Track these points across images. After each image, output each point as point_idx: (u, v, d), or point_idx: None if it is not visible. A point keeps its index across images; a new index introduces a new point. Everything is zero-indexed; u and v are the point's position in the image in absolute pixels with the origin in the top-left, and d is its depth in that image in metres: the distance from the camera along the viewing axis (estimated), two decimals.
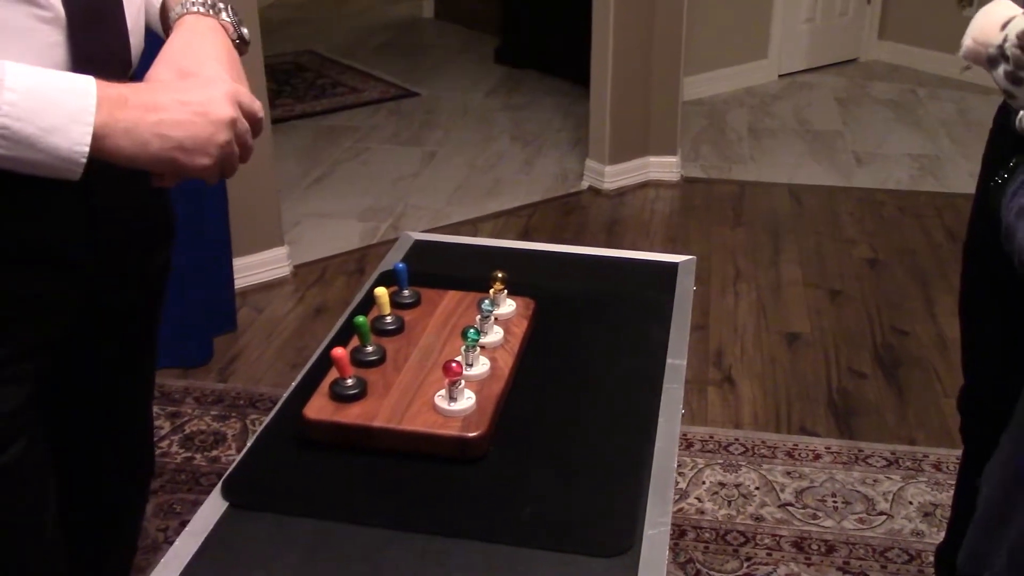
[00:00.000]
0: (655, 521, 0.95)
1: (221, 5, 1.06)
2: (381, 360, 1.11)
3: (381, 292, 1.18)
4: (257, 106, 0.98)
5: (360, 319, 1.11)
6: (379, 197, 3.77)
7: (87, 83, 0.86)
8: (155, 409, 2.48)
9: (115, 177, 0.92)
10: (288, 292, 3.09)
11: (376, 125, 4.55)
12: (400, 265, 1.25)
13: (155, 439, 2.36)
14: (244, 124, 0.95)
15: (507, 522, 0.94)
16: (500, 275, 1.22)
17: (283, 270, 3.14)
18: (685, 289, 1.38)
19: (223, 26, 1.05)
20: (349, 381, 1.05)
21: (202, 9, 1.04)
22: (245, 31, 1.08)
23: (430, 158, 4.16)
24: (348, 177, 3.96)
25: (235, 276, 2.89)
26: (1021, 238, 0.88)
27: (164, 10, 1.08)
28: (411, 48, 5.85)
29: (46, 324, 1.02)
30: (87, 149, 0.84)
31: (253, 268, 3.08)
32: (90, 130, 0.84)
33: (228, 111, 0.92)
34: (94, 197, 1.00)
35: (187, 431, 2.42)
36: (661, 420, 1.10)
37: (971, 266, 1.52)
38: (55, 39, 0.92)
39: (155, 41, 1.08)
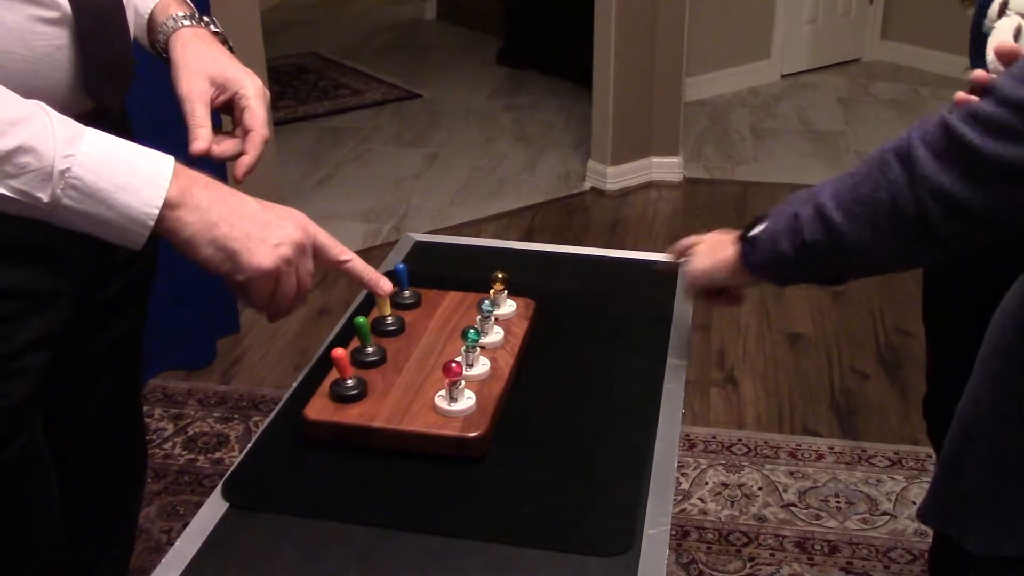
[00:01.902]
0: (655, 520, 0.95)
1: (207, 19, 1.10)
2: (381, 361, 1.11)
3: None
4: (341, 254, 0.98)
5: (360, 320, 1.11)
6: (382, 199, 3.77)
7: (164, 155, 0.87)
8: (158, 411, 2.49)
9: None
10: None
11: (379, 127, 4.55)
12: (400, 266, 1.25)
13: (158, 441, 2.37)
14: (308, 264, 0.95)
15: (507, 522, 0.94)
16: (500, 276, 1.22)
17: None
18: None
19: (216, 36, 1.08)
20: (349, 382, 1.05)
21: (192, 22, 1.07)
22: (230, 42, 1.12)
23: (433, 159, 4.16)
24: (351, 179, 3.96)
25: None
26: (924, 166, 0.90)
27: (151, 26, 1.09)
28: (413, 50, 5.85)
29: (48, 318, 1.03)
30: (157, 212, 0.84)
31: None
32: (163, 194, 0.84)
33: (299, 235, 0.93)
34: None
35: (190, 433, 2.42)
36: (661, 420, 1.10)
37: (928, 274, 1.55)
38: (60, 42, 0.92)
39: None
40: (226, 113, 1.08)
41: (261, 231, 0.90)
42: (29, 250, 0.98)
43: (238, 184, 1.03)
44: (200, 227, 0.87)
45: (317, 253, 0.96)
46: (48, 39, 0.91)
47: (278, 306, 0.95)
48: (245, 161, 1.03)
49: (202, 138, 1.00)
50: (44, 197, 0.81)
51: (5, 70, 0.89)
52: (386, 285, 1.04)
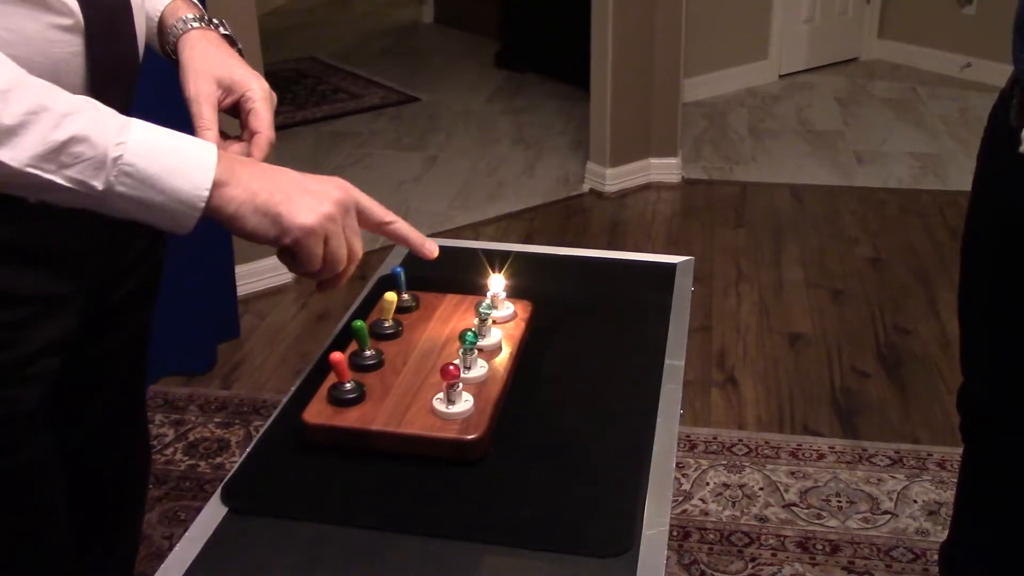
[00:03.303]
0: (654, 521, 0.95)
1: (216, 21, 1.10)
2: (379, 364, 1.12)
3: (391, 297, 1.18)
4: (385, 215, 1.02)
5: (358, 323, 1.12)
6: (381, 202, 3.74)
7: (205, 141, 0.90)
8: (159, 417, 2.49)
9: None
10: (291, 299, 3.10)
11: (377, 131, 4.56)
12: (398, 269, 1.25)
13: (159, 447, 2.37)
14: (354, 224, 0.97)
15: (505, 523, 0.94)
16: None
17: (286, 276, 3.14)
18: (683, 289, 1.38)
19: (225, 38, 1.09)
20: (347, 385, 1.05)
21: (201, 24, 1.07)
22: (239, 45, 1.12)
23: (432, 163, 4.17)
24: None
25: (238, 283, 2.90)
26: None
27: (161, 28, 1.10)
28: (412, 53, 5.86)
29: (59, 323, 1.03)
30: (207, 193, 0.86)
31: (256, 275, 3.08)
32: (212, 175, 0.86)
33: (340, 193, 0.96)
34: None
35: (191, 439, 2.42)
36: (659, 420, 1.10)
37: (968, 264, 1.52)
38: (75, 48, 0.93)
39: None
40: (232, 115, 1.09)
41: (301, 194, 0.93)
42: (41, 254, 0.99)
43: None
44: (244, 199, 0.89)
45: (361, 216, 0.98)
46: (64, 46, 0.92)
47: (331, 269, 0.97)
48: None
49: (209, 140, 1.01)
50: (99, 185, 0.83)
51: None
52: (432, 247, 1.07)
